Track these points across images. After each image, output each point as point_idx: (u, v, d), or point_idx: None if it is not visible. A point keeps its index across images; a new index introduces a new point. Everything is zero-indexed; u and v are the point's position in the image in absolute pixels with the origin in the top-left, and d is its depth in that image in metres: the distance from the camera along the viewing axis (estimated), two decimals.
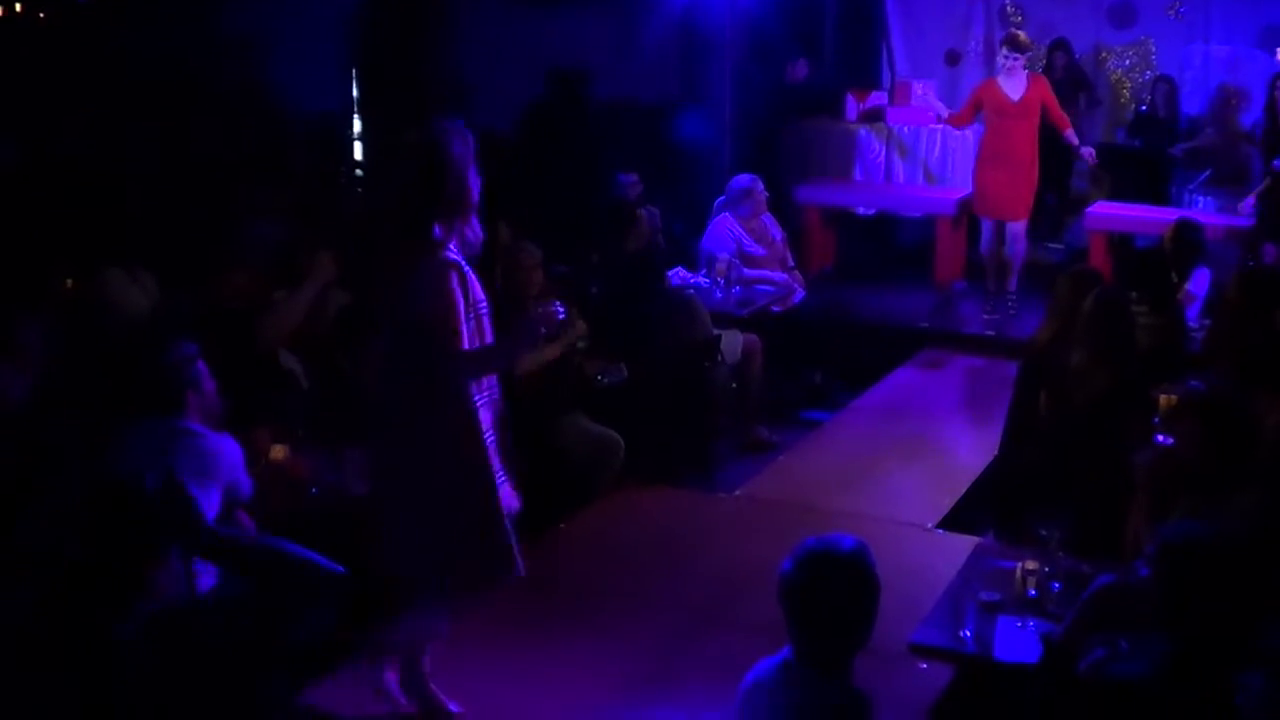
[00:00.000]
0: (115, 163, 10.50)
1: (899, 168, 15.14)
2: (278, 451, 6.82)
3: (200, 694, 3.53)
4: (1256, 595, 4.38)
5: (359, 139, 12.54)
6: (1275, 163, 12.49)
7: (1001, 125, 12.30)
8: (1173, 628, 4.33)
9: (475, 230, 5.75)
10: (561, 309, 5.91)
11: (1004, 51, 12.31)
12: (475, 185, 5.70)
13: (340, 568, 3.91)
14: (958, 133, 14.56)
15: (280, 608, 3.72)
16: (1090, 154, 12.94)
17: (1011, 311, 12.61)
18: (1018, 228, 12.57)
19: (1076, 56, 15.62)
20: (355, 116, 12.63)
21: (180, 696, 3.52)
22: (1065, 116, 12.52)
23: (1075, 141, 12.63)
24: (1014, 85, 12.23)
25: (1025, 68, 12.29)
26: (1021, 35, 12.46)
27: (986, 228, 12.82)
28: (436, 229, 5.58)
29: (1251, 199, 12.50)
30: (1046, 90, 12.42)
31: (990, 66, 15.81)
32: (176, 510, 3.73)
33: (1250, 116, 14.43)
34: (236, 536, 4.13)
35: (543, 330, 5.96)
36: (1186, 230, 10.31)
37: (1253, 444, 6.11)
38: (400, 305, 5.67)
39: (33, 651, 3.56)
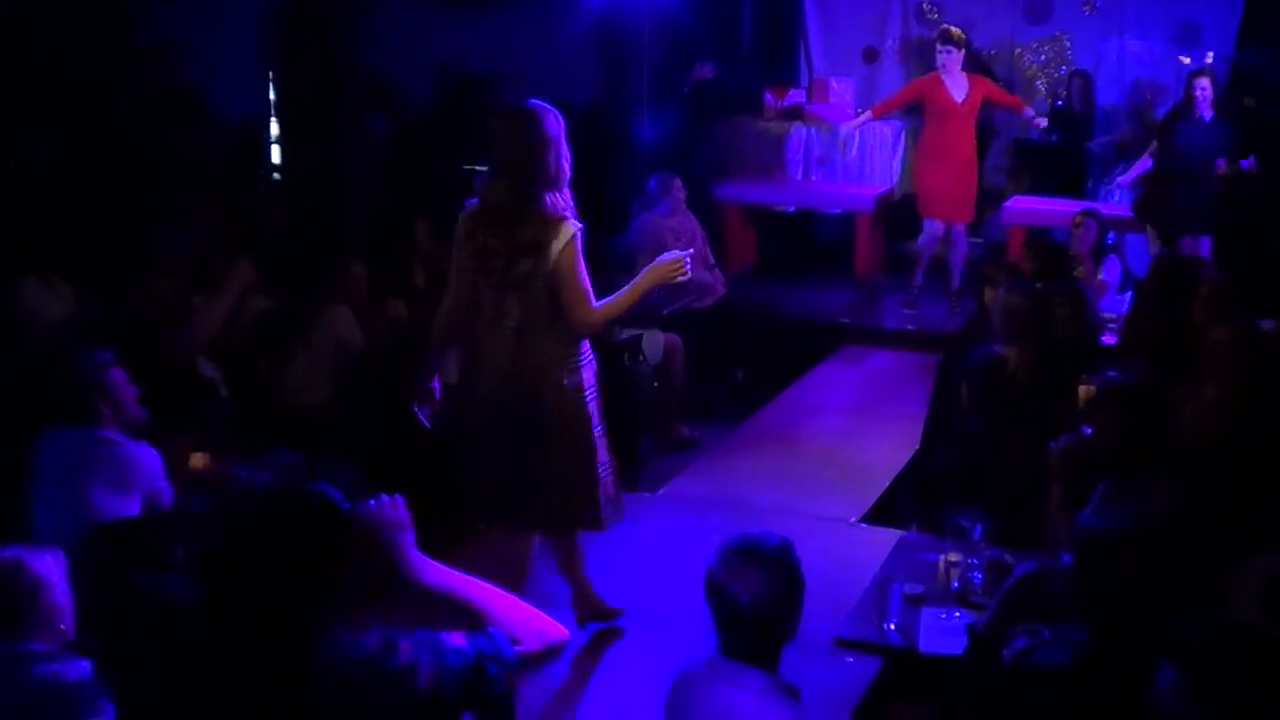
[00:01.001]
0: (30, 171, 10.39)
1: (817, 165, 15.20)
2: (198, 460, 6.77)
3: None
4: (1172, 584, 4.42)
5: (277, 143, 12.45)
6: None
7: (944, 126, 12.38)
8: (1090, 617, 4.37)
9: (568, 201, 6.19)
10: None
11: (940, 47, 12.34)
12: (568, 160, 6.21)
13: (564, 630, 3.84)
14: (876, 129, 14.64)
15: (487, 671, 3.39)
16: (1043, 122, 13.13)
17: (955, 310, 12.60)
18: (961, 228, 12.65)
19: (992, 52, 15.79)
20: (273, 120, 12.54)
21: None
22: (1018, 99, 12.73)
23: (1031, 115, 12.94)
24: (958, 87, 12.30)
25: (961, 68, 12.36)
26: (955, 30, 12.49)
27: (932, 228, 12.84)
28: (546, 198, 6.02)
29: (1133, 175, 12.63)
30: (989, 87, 12.56)
31: (907, 64, 15.93)
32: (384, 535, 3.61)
33: (1165, 111, 14.57)
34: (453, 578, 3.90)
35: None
36: (1037, 246, 10.47)
37: (1168, 432, 6.18)
38: (534, 268, 6.01)
39: (211, 665, 3.28)
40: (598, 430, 6.30)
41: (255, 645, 3.24)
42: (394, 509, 3.70)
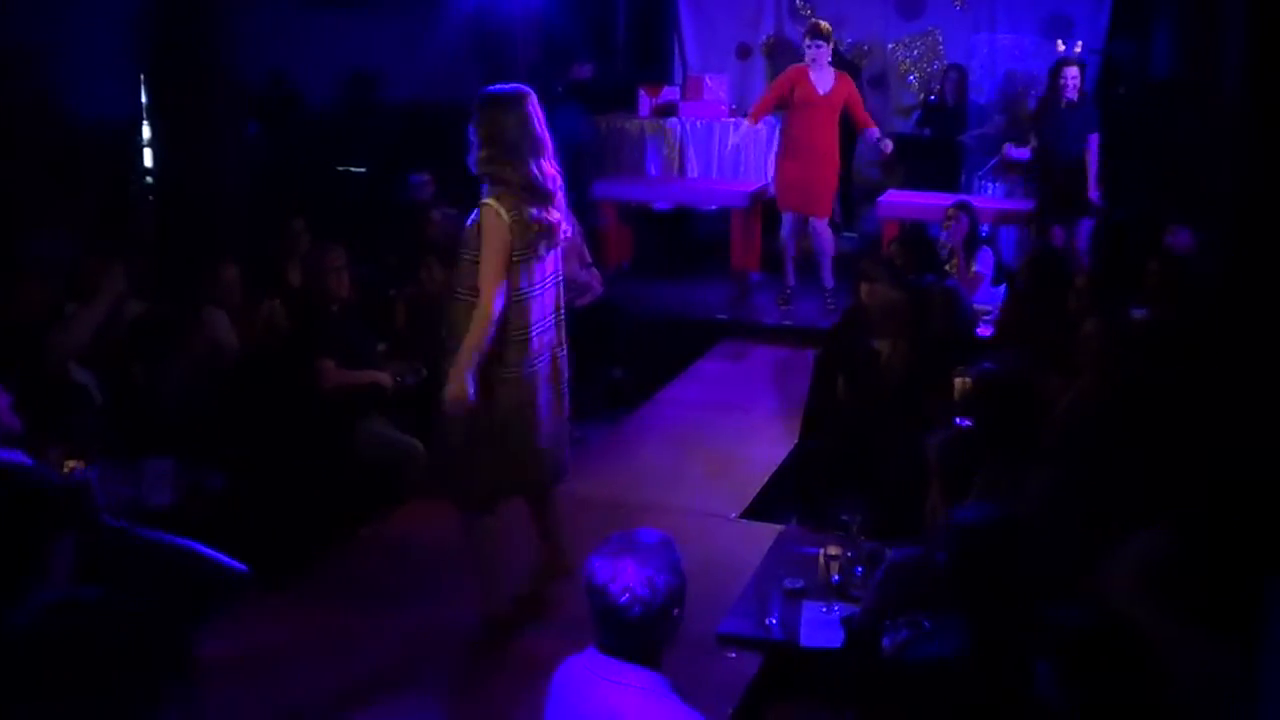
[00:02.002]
0: None
1: (693, 162, 15.22)
2: (71, 467, 6.67)
3: (100, 690, 3.41)
4: (1046, 574, 4.48)
5: (149, 146, 12.31)
6: (1009, 149, 12.87)
7: (806, 117, 12.32)
8: (966, 608, 4.41)
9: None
10: None
11: (808, 41, 12.32)
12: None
13: (243, 566, 3.87)
14: (751, 125, 14.68)
15: (186, 605, 3.62)
16: (889, 146, 13.14)
17: (830, 307, 12.57)
18: (820, 223, 12.67)
19: (865, 47, 15.92)
20: (145, 123, 12.39)
21: (78, 690, 3.39)
22: (869, 117, 12.65)
23: (876, 138, 12.69)
24: (823, 79, 12.31)
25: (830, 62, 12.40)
26: (823, 24, 12.50)
27: (788, 220, 12.83)
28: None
29: (1027, 151, 12.78)
30: (853, 89, 12.52)
31: (778, 61, 15.99)
32: (75, 497, 3.65)
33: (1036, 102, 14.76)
34: (136, 530, 4.01)
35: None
36: (910, 239, 10.58)
37: (1043, 424, 6.25)
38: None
39: None
40: None
41: None
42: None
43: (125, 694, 3.26)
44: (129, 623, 3.27)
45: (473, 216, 6.39)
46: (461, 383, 6.27)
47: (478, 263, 6.31)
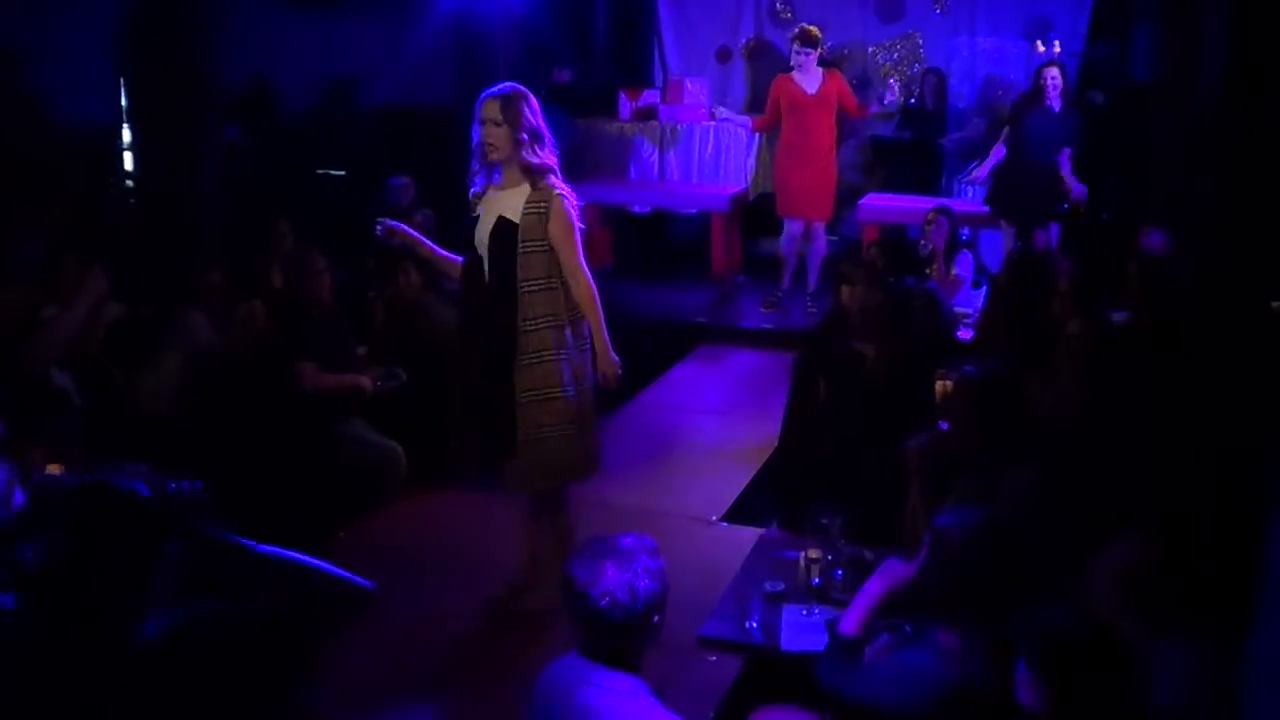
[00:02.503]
0: None
1: (673, 165, 15.22)
2: (52, 470, 6.65)
3: (228, 706, 3.40)
4: (1028, 578, 4.47)
5: (129, 150, 12.27)
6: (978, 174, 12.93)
7: (799, 119, 12.34)
8: (945, 612, 4.41)
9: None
10: None
11: (796, 47, 12.32)
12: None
13: (368, 583, 3.87)
14: (730, 128, 14.69)
15: (311, 621, 3.66)
16: (878, 107, 13.20)
17: (811, 310, 12.61)
18: (820, 227, 12.69)
19: (845, 51, 15.91)
20: (125, 126, 12.36)
21: (207, 707, 3.39)
22: (863, 105, 12.72)
23: (878, 107, 13.02)
24: (810, 80, 12.32)
25: (818, 65, 12.40)
26: (813, 29, 12.50)
27: (792, 227, 12.82)
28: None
29: (988, 167, 12.78)
30: (843, 84, 12.51)
31: (758, 64, 16.00)
32: (182, 509, 3.64)
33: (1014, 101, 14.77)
34: (256, 547, 4.00)
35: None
36: (885, 245, 10.61)
37: (1024, 426, 6.25)
38: None
39: (37, 663, 3.41)
40: None
41: (73, 639, 3.37)
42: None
43: (254, 700, 3.26)
44: (255, 634, 3.27)
45: (520, 207, 6.50)
46: (608, 357, 6.65)
47: (544, 251, 6.50)
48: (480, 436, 6.73)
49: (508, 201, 6.51)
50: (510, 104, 6.44)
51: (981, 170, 12.88)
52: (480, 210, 6.59)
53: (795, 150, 12.45)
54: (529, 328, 6.50)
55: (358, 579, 3.88)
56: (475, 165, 6.63)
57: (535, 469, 6.69)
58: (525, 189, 6.50)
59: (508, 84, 6.56)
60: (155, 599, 3.49)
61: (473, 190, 6.66)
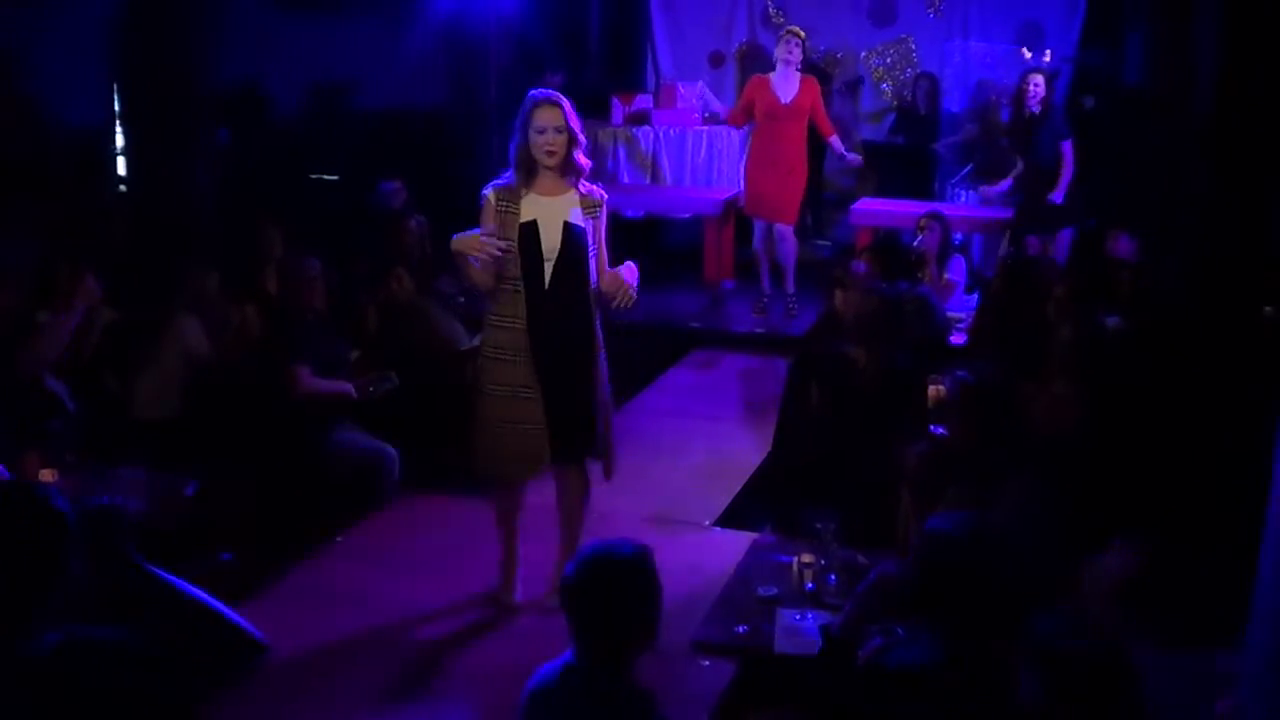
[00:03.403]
0: None
1: (665, 169, 15.18)
2: (46, 476, 6.66)
3: None
4: (1022, 584, 4.48)
5: (122, 154, 12.27)
6: (986, 191, 12.96)
7: (772, 128, 12.36)
8: (939, 617, 4.41)
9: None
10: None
11: (785, 35, 12.38)
12: None
13: (260, 635, 3.85)
14: (723, 133, 14.71)
15: (202, 663, 3.63)
16: (857, 159, 13.15)
17: (792, 312, 12.75)
18: (785, 229, 12.71)
19: (838, 55, 15.94)
20: (118, 130, 12.36)
21: None
22: (830, 125, 12.70)
23: (840, 149, 12.78)
24: (786, 87, 12.30)
25: (797, 67, 12.40)
26: (796, 28, 12.56)
27: (759, 226, 12.97)
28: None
29: (1008, 181, 12.83)
30: (817, 95, 12.52)
31: (751, 69, 15.99)
32: (101, 525, 3.63)
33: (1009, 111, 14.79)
34: (159, 573, 3.98)
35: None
36: (877, 250, 10.62)
37: (1017, 432, 6.26)
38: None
39: None
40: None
41: None
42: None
43: None
44: (143, 670, 3.24)
45: (579, 212, 6.62)
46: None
47: (595, 252, 6.68)
48: (571, 434, 6.80)
49: (561, 206, 6.58)
50: (567, 110, 6.53)
51: (1001, 185, 12.98)
52: (523, 216, 6.56)
53: (765, 157, 12.51)
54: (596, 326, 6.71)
55: (253, 630, 3.87)
56: (513, 173, 6.65)
57: (604, 442, 6.95)
58: (572, 193, 6.59)
59: (547, 89, 6.71)
60: (53, 613, 3.49)
61: (485, 192, 6.65)
